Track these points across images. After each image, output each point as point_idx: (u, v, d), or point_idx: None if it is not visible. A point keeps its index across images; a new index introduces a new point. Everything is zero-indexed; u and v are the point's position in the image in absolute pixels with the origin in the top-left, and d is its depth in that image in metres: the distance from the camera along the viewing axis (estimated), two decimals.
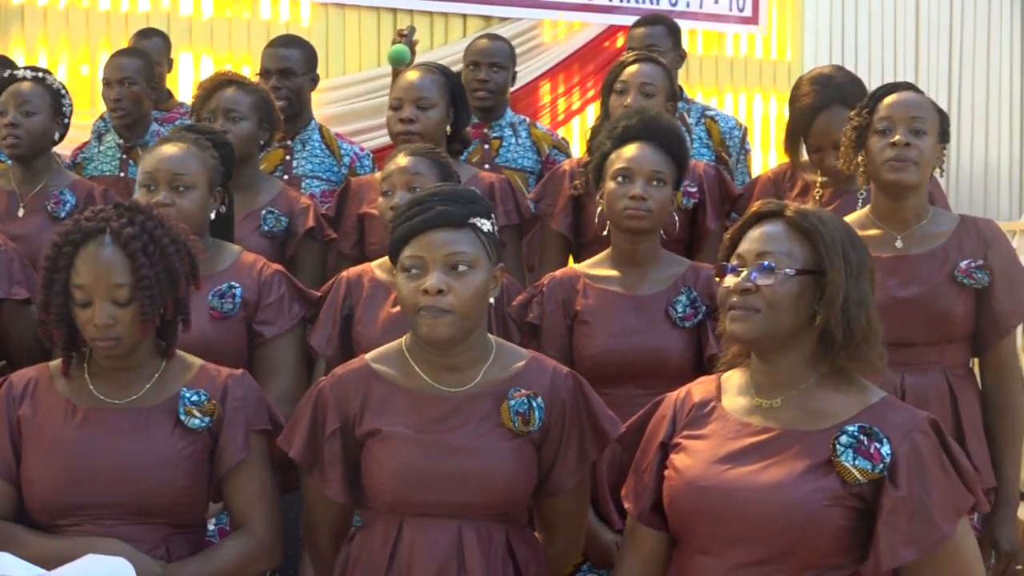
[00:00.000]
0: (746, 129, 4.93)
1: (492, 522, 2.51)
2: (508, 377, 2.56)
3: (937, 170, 3.29)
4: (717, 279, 2.41)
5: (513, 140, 4.77)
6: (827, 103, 3.80)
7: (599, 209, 3.31)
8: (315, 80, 4.69)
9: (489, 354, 2.60)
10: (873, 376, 2.36)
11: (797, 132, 3.91)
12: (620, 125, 3.31)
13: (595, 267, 3.33)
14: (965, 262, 3.18)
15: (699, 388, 2.49)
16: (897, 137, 3.15)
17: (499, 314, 3.31)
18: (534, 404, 2.51)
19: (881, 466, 2.20)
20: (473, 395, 2.54)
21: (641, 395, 2.91)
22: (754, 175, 4.67)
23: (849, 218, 3.30)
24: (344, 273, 3.43)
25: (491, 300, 2.57)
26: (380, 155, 4.85)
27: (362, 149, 4.72)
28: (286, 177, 4.39)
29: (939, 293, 3.17)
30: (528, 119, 5.02)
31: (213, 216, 3.27)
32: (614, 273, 3.28)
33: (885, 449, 2.21)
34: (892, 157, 3.15)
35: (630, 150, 3.23)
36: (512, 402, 2.51)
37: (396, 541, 2.51)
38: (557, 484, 2.58)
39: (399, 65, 4.43)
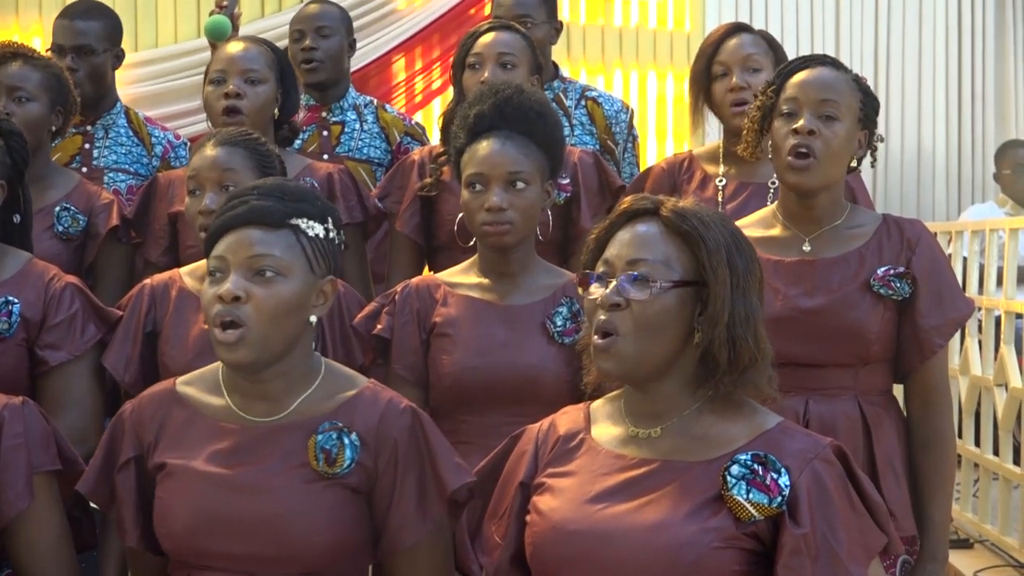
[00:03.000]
0: (633, 112, 4.99)
1: None
2: (331, 408, 2.55)
3: (869, 161, 3.31)
4: (580, 290, 2.42)
5: (357, 126, 4.79)
6: (740, 30, 4.03)
7: (459, 216, 3.32)
8: (119, 56, 4.65)
9: (313, 380, 2.59)
10: (764, 402, 2.39)
11: (703, 62, 4.04)
12: (471, 112, 3.28)
13: (459, 274, 3.33)
14: (883, 269, 3.17)
15: (564, 419, 2.50)
16: (800, 123, 3.15)
17: (336, 331, 3.33)
18: (345, 441, 2.49)
19: (779, 499, 2.21)
20: (281, 427, 2.53)
21: (510, 424, 2.85)
22: (645, 165, 4.73)
23: (755, 215, 3.37)
24: (148, 281, 3.40)
25: (312, 319, 2.55)
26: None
27: (177, 136, 4.71)
28: (85, 170, 4.36)
29: (851, 304, 3.17)
30: (376, 101, 5.04)
31: None
32: (481, 280, 3.29)
33: (783, 480, 2.22)
34: (793, 146, 3.14)
35: (483, 148, 3.21)
36: (320, 437, 2.49)
37: None
38: (393, 541, 2.55)
39: (218, 39, 4.44)
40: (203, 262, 3.22)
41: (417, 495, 2.54)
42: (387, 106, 5.08)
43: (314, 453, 2.48)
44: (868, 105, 3.23)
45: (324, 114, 4.79)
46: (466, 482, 2.53)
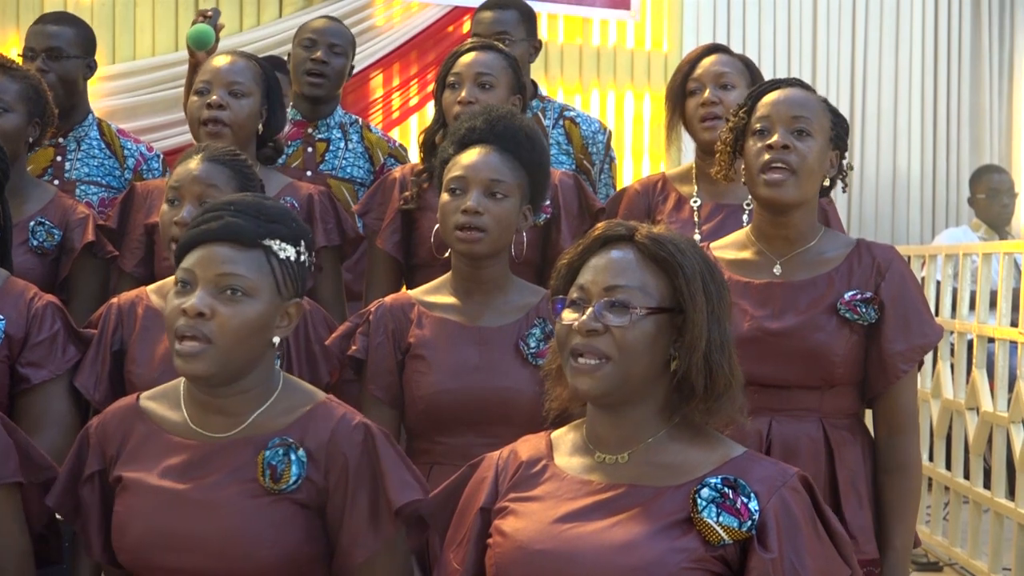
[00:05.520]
0: (611, 133, 5.00)
1: None
2: (284, 424, 2.56)
3: (839, 184, 3.32)
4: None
5: (342, 144, 4.78)
6: (717, 50, 4.11)
7: (435, 227, 3.31)
8: (91, 67, 4.63)
9: (269, 396, 2.60)
10: (731, 427, 2.40)
11: (679, 79, 4.09)
12: (463, 127, 3.30)
13: (432, 293, 3.32)
14: (850, 293, 3.18)
15: (525, 446, 2.51)
16: (774, 139, 3.16)
17: (302, 349, 3.33)
18: (292, 457, 2.51)
19: (749, 523, 2.23)
20: (234, 442, 2.55)
21: (485, 445, 2.88)
22: (621, 186, 4.74)
23: (729, 237, 3.38)
24: (115, 299, 3.38)
25: (276, 340, 2.57)
26: (176, 156, 4.82)
27: (150, 149, 4.66)
28: (57, 182, 4.33)
29: (816, 326, 3.17)
30: (362, 120, 5.03)
31: None
32: (454, 300, 3.28)
33: (753, 504, 2.24)
34: (767, 162, 3.15)
35: (467, 156, 3.22)
36: (267, 452, 2.51)
37: None
38: (345, 557, 2.56)
39: (201, 48, 4.42)
40: (171, 279, 3.25)
41: (369, 511, 2.55)
42: (372, 126, 5.07)
43: (261, 469, 2.51)
44: (838, 126, 3.26)
45: (310, 130, 4.79)
46: (413, 499, 2.54)
